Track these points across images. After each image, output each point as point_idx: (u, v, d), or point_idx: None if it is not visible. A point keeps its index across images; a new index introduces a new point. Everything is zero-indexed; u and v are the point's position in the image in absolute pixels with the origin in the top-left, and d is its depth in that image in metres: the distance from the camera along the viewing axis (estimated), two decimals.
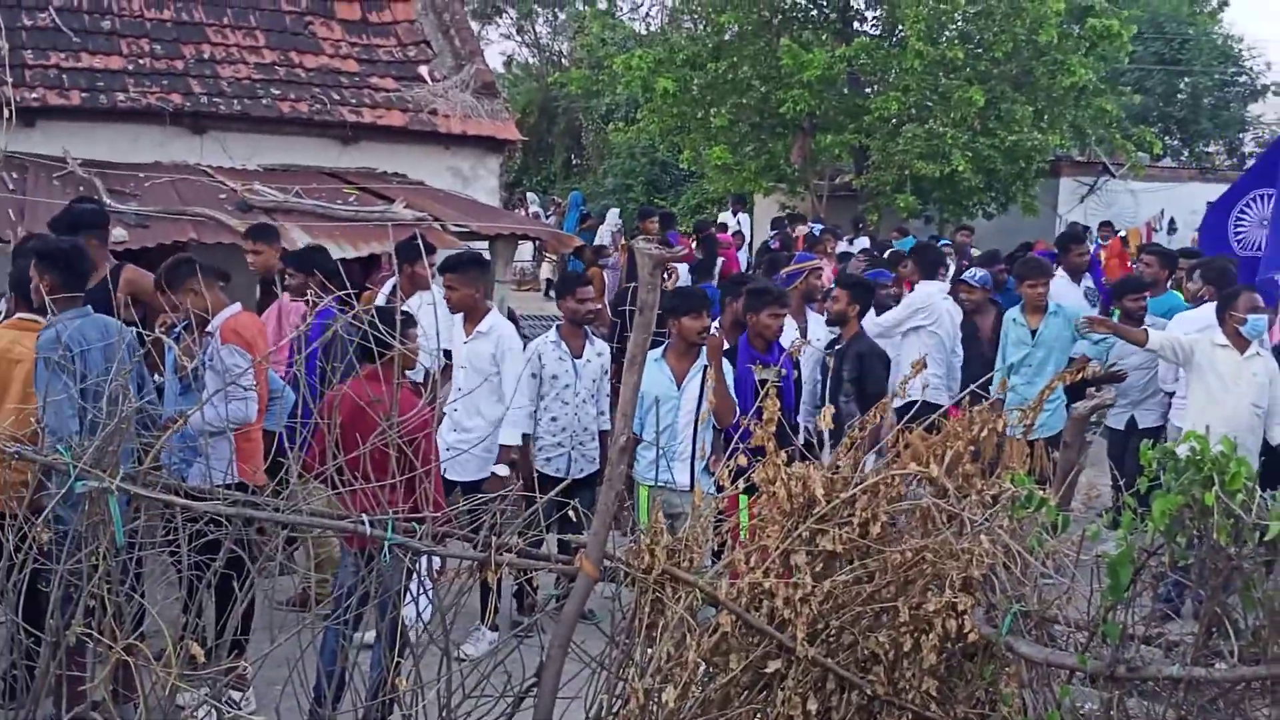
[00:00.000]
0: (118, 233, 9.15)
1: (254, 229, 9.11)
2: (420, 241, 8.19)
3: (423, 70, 12.92)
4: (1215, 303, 8.55)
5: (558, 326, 8.06)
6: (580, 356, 7.87)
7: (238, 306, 6.84)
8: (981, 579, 4.21)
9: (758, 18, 21.71)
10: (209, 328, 6.64)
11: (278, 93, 12.26)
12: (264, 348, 6.70)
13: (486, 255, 10.55)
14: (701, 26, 23.41)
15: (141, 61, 12.28)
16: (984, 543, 4.18)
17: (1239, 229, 11.68)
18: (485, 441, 7.42)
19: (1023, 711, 4.18)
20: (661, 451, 7.08)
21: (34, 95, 11.47)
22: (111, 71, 12.09)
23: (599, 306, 8.45)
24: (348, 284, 5.32)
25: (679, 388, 7.26)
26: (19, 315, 6.49)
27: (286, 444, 4.56)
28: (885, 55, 20.83)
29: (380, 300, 8.66)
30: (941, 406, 8.54)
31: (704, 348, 7.38)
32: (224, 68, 12.44)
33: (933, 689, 4.27)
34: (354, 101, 12.39)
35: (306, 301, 7.55)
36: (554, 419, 7.80)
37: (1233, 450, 3.35)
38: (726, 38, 22.13)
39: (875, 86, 21.83)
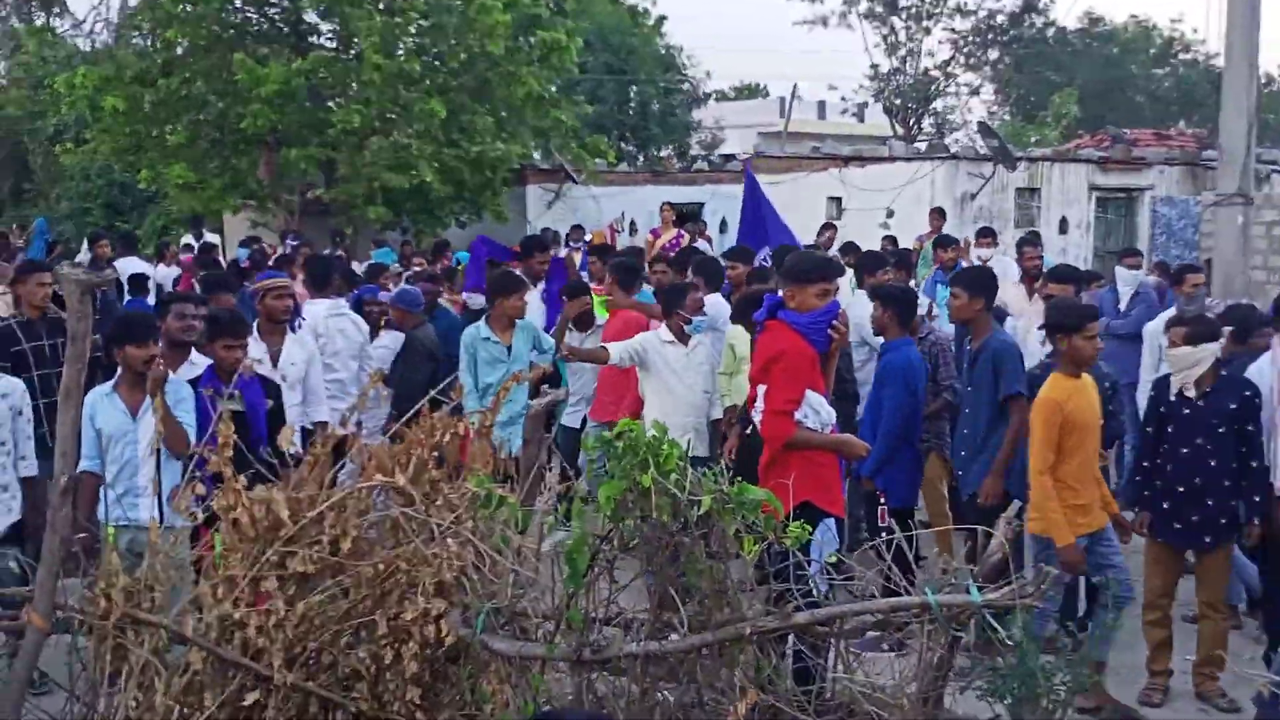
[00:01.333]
0: None
1: None
2: None
3: None
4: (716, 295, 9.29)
5: None
6: None
7: None
8: (454, 582, 4.26)
9: (208, 32, 20.98)
10: None
11: None
12: None
13: None
14: (150, 42, 22.32)
15: None
16: (452, 546, 4.24)
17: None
18: None
19: (506, 706, 4.26)
20: (124, 489, 6.67)
21: None
22: None
23: None
24: None
25: (134, 420, 6.85)
26: None
27: None
28: (343, 68, 20.73)
29: None
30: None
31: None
32: None
33: (417, 698, 4.28)
34: None
35: None
36: None
37: (664, 434, 3.56)
38: (178, 53, 21.25)
39: (337, 100, 21.66)
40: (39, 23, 35.21)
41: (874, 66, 41.85)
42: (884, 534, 4.59)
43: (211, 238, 20.79)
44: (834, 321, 6.05)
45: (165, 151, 21.27)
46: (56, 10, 37.24)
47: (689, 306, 8.62)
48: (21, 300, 8.93)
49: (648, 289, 10.54)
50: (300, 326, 8.91)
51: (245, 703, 4.16)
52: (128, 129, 21.16)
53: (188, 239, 20.49)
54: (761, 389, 5.96)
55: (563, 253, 17.04)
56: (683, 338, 8.58)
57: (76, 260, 17.99)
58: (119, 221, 27.29)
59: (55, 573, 4.04)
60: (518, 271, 10.55)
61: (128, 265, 15.68)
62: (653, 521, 3.65)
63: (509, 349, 8.84)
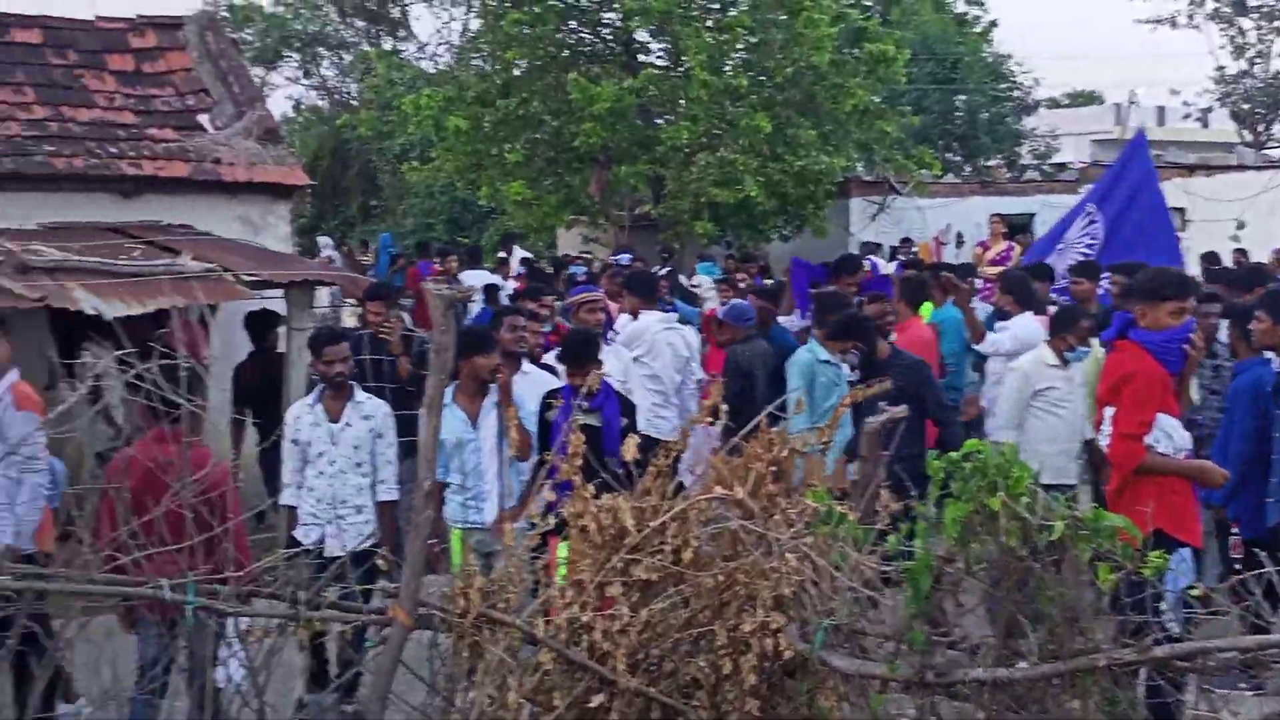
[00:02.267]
0: None
1: None
2: None
3: (203, 119, 12.60)
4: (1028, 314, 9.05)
5: (320, 389, 7.41)
6: (337, 421, 7.20)
7: (16, 371, 6.56)
8: (792, 596, 4.27)
9: (544, 53, 21.80)
10: None
11: (51, 149, 11.79)
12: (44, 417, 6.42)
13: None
14: (490, 64, 23.40)
15: None
16: (791, 561, 4.25)
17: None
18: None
19: None
20: (470, 494, 7.01)
21: None
22: None
23: (349, 367, 7.42)
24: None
25: (474, 427, 7.17)
26: None
27: (74, 512, 4.38)
28: (672, 86, 21.14)
29: None
30: (661, 440, 8.50)
31: (494, 385, 7.28)
32: None
33: (755, 709, 4.31)
34: (133, 154, 11.99)
35: None
36: (310, 489, 7.16)
37: (1014, 455, 3.48)
38: (516, 74, 22.16)
39: (666, 117, 22.11)
40: (387, 47, 37.49)
41: (1220, 69, 39.64)
42: (1237, 565, 4.34)
43: (521, 254, 21.52)
44: (1190, 336, 5.78)
45: (504, 169, 22.18)
46: (402, 34, 39.54)
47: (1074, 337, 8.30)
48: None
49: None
50: (613, 339, 9.14)
51: (591, 704, 4.29)
52: (469, 148, 22.16)
53: (522, 253, 21.29)
54: (1109, 411, 5.74)
55: (889, 267, 16.85)
56: (1063, 360, 8.30)
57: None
58: (460, 237, 28.68)
59: (419, 572, 4.27)
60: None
61: (473, 278, 16.48)
62: (1001, 545, 3.57)
63: (841, 370, 8.72)
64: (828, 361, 8.61)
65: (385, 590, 4.54)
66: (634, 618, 4.30)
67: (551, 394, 7.25)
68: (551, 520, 4.51)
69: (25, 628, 4.14)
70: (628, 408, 7.38)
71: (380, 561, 4.55)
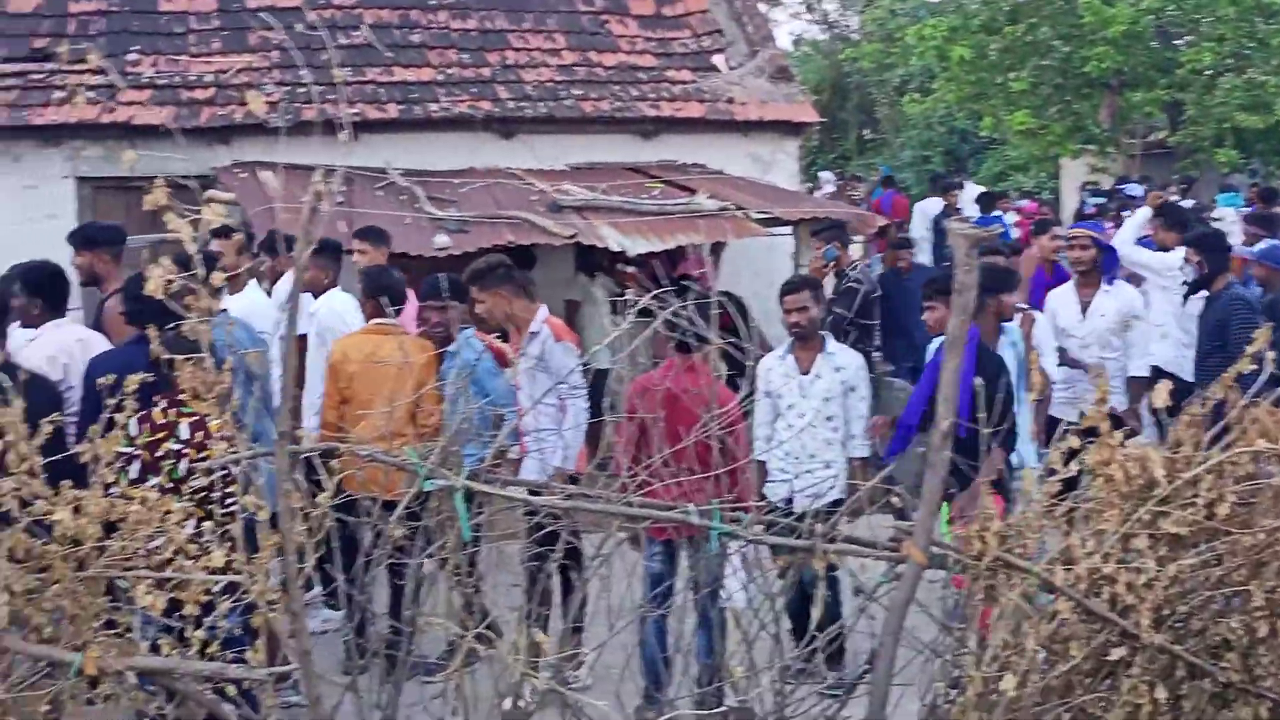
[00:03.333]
0: (440, 239, 9.64)
1: (362, 231, 8.82)
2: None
3: (717, 59, 13.03)
4: None
5: (790, 340, 7.13)
6: (808, 372, 6.95)
7: (545, 309, 7.10)
8: None
9: None
10: (532, 327, 6.92)
11: (579, 93, 12.59)
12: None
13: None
14: None
15: (450, 71, 12.82)
16: None
17: None
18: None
19: None
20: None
21: (354, 111, 12.10)
22: (423, 83, 12.66)
23: (809, 316, 7.01)
24: (659, 277, 5.45)
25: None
26: (375, 321, 7.01)
27: (614, 436, 4.69)
28: (1195, 4, 19.76)
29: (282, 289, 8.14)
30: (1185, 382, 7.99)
31: (1007, 324, 7.21)
32: (527, 72, 12.86)
33: None
34: (652, 96, 12.60)
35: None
36: (779, 442, 6.91)
37: None
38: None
39: (1187, 38, 20.73)
40: None
41: None
42: None
43: (974, 190, 20.63)
44: None
45: (1008, 98, 21.60)
46: None
47: None
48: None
49: None
50: (1113, 280, 8.72)
51: (1110, 657, 4.17)
52: (973, 77, 21.71)
53: (976, 189, 20.60)
54: None
55: None
56: None
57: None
58: (954, 170, 28.16)
59: (934, 510, 4.28)
60: None
61: (930, 206, 16.42)
62: None
63: None
64: None
65: (899, 528, 4.58)
66: (1160, 572, 4.13)
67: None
68: (1074, 468, 4.39)
69: (568, 544, 4.51)
70: (988, 363, 6.48)
71: (895, 499, 4.59)
